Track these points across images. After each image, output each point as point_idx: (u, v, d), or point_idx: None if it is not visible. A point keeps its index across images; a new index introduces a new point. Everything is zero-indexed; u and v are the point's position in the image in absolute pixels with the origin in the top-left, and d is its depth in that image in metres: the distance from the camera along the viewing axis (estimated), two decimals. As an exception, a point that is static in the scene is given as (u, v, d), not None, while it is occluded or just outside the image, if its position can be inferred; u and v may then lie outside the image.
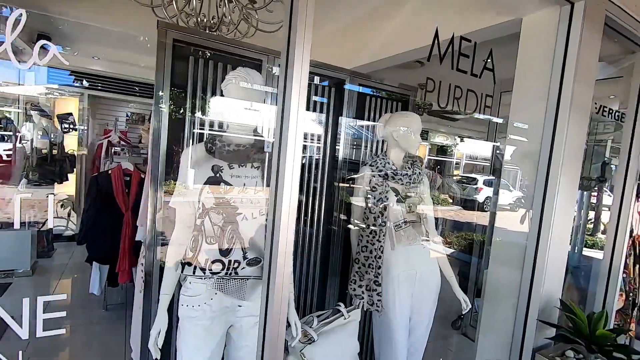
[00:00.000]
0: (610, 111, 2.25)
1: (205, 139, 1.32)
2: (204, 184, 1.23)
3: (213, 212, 1.22)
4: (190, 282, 1.23)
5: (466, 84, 1.65)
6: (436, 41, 1.25)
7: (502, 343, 1.89)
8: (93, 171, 4.07)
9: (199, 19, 2.37)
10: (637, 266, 2.38)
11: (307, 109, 1.71)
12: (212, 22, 2.42)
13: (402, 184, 1.79)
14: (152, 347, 1.20)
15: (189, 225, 1.28)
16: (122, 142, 4.55)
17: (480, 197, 8.95)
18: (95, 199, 2.64)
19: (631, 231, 2.36)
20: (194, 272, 1.22)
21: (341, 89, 2.13)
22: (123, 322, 2.67)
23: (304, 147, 1.66)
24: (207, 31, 2.39)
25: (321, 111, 2.16)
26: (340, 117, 2.19)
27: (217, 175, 1.24)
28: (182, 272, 1.24)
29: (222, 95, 1.31)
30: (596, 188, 3.22)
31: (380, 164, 1.81)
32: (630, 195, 2.17)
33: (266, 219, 1.23)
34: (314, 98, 2.14)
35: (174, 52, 1.49)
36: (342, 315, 1.58)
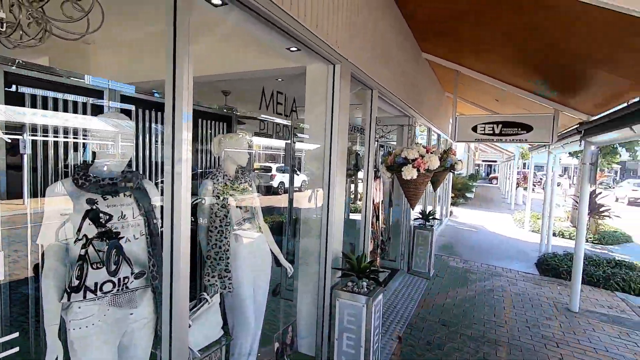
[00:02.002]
0: (356, 127, 3.50)
1: (72, 175, 1.40)
2: (83, 217, 1.36)
3: (96, 240, 1.37)
4: (79, 307, 1.34)
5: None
6: (263, 96, 1.82)
7: (313, 289, 2.76)
8: None
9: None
10: (377, 222, 3.85)
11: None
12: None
13: (238, 191, 2.31)
14: (51, 374, 1.27)
15: (61, 258, 1.37)
16: None
17: (274, 183, 10.48)
18: None
19: (373, 200, 3.78)
20: (84, 297, 1.34)
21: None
22: None
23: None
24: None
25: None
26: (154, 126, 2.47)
27: (94, 207, 1.39)
28: (68, 300, 1.33)
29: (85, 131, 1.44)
30: (355, 172, 4.72)
31: (220, 176, 2.25)
32: (372, 176, 3.49)
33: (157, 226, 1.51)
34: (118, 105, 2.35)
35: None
36: (207, 301, 1.98)
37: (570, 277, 4.52)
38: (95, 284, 1.37)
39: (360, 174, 5.17)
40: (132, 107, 2.58)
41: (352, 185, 4.92)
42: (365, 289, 2.63)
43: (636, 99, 2.88)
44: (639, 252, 7.92)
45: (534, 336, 3.58)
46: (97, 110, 2.27)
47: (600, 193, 9.36)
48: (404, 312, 3.99)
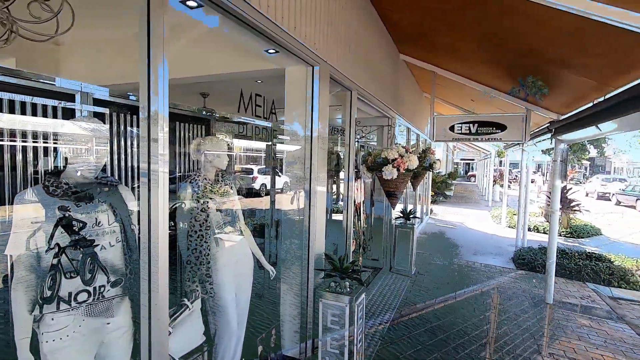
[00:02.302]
0: (336, 128, 3.52)
1: (43, 182, 1.35)
2: (55, 225, 1.31)
3: (70, 249, 1.33)
4: (53, 319, 1.30)
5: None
6: (242, 98, 1.81)
7: (296, 290, 2.76)
8: None
9: None
10: (359, 222, 3.88)
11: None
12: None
13: (218, 194, 2.28)
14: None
15: (32, 268, 1.32)
16: None
17: (256, 185, 10.43)
18: None
19: (355, 200, 3.81)
20: (58, 308, 1.30)
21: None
22: None
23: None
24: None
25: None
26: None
27: (67, 215, 1.34)
28: (40, 312, 1.28)
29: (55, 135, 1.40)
30: (336, 172, 4.76)
31: (199, 180, 2.22)
32: (353, 177, 3.52)
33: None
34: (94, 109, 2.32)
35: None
36: (188, 307, 1.95)
37: (544, 270, 4.69)
38: (69, 294, 1.33)
39: (342, 175, 5.21)
40: (106, 110, 2.51)
41: (334, 186, 4.95)
42: (348, 289, 2.64)
43: (600, 99, 3.03)
44: (608, 244, 8.32)
45: (512, 329, 3.70)
46: (69, 114, 2.19)
47: (571, 189, 9.76)
48: (387, 311, 4.04)
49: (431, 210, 11.72)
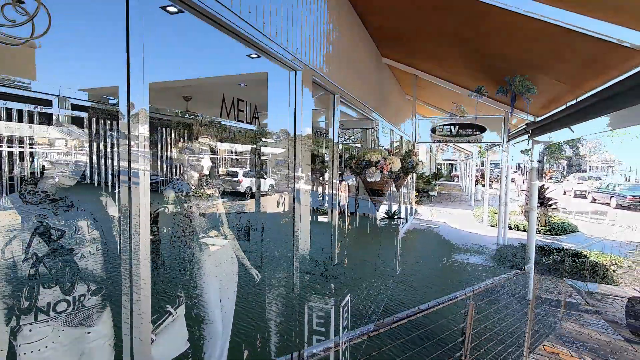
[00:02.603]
0: (320, 131, 3.55)
1: (19, 190, 1.32)
2: (32, 234, 1.28)
3: (48, 258, 1.30)
4: (30, 330, 1.27)
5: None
6: (224, 103, 1.81)
7: (282, 293, 2.77)
8: None
9: None
10: (344, 224, 3.92)
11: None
12: None
13: (202, 198, 2.27)
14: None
15: (8, 278, 1.29)
16: None
17: (242, 188, 10.37)
18: None
19: (339, 202, 3.84)
20: (36, 319, 1.27)
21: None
22: None
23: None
24: None
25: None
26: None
27: (45, 223, 1.32)
28: (17, 323, 1.25)
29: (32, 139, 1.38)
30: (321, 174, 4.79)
31: (182, 184, 2.20)
32: (337, 179, 3.56)
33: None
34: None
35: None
36: (172, 314, 1.93)
37: (524, 267, 4.83)
38: (48, 304, 1.30)
39: (327, 176, 5.24)
40: (85, 115, 2.46)
41: (320, 188, 4.98)
42: (333, 291, 2.67)
43: (572, 102, 3.15)
44: (584, 240, 8.62)
45: (495, 326, 3.80)
46: (46, 120, 2.14)
47: (548, 187, 10.08)
48: (372, 312, 4.08)
49: (415, 211, 11.88)
